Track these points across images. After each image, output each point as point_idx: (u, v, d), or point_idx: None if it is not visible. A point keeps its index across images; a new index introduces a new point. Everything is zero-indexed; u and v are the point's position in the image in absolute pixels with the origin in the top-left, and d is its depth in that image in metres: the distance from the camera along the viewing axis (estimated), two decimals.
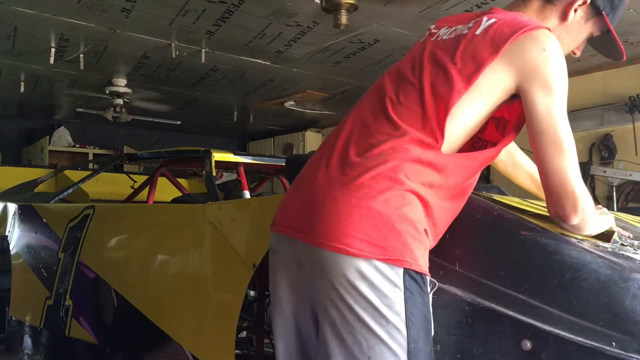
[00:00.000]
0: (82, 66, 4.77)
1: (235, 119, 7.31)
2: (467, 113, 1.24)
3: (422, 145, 1.21)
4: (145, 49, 4.56)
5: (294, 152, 7.66)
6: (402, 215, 1.16)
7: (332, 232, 1.15)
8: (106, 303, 2.54)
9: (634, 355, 1.12)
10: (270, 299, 1.37)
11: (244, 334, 2.84)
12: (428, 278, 1.21)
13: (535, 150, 1.25)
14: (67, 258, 2.82)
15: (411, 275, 1.16)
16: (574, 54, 1.48)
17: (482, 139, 1.33)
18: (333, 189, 1.19)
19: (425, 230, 1.21)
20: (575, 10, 1.37)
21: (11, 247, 3.31)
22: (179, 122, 7.52)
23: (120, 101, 5.78)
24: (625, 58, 1.45)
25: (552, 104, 1.23)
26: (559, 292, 1.20)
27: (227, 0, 3.56)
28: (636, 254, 1.32)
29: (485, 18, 1.31)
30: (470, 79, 1.23)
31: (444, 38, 1.33)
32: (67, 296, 2.76)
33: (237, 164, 3.03)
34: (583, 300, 1.18)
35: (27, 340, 3.07)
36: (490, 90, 1.25)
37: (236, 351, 2.02)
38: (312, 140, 7.76)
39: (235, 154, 3.01)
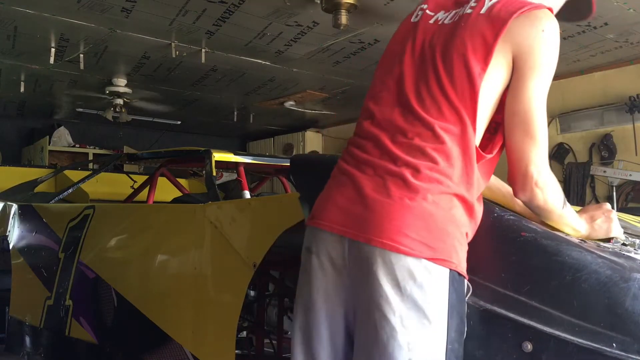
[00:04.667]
0: (82, 66, 4.77)
1: (235, 119, 7.31)
2: (485, 96, 1.23)
3: (460, 142, 1.20)
4: (145, 49, 4.55)
5: (294, 152, 7.65)
6: (451, 217, 1.17)
7: (384, 229, 1.14)
8: (106, 303, 2.54)
9: (634, 357, 1.11)
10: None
11: (244, 334, 2.84)
12: (466, 281, 1.21)
13: (507, 130, 1.25)
14: (67, 258, 2.82)
15: (455, 277, 1.16)
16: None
17: (496, 122, 1.31)
18: (385, 188, 1.18)
19: (467, 234, 1.21)
20: None
21: (11, 247, 3.31)
22: (179, 122, 7.52)
23: (120, 101, 5.78)
24: (594, 12, 1.43)
25: (533, 86, 1.22)
26: (560, 293, 1.20)
27: (227, 0, 3.56)
28: (637, 253, 1.32)
29: None
30: (485, 60, 1.22)
31: (445, 22, 1.31)
32: (67, 296, 2.76)
33: (237, 164, 3.03)
34: (584, 301, 1.18)
35: (27, 340, 3.07)
36: (499, 70, 1.24)
37: (236, 351, 2.02)
38: (312, 140, 7.75)
39: (235, 154, 3.00)
